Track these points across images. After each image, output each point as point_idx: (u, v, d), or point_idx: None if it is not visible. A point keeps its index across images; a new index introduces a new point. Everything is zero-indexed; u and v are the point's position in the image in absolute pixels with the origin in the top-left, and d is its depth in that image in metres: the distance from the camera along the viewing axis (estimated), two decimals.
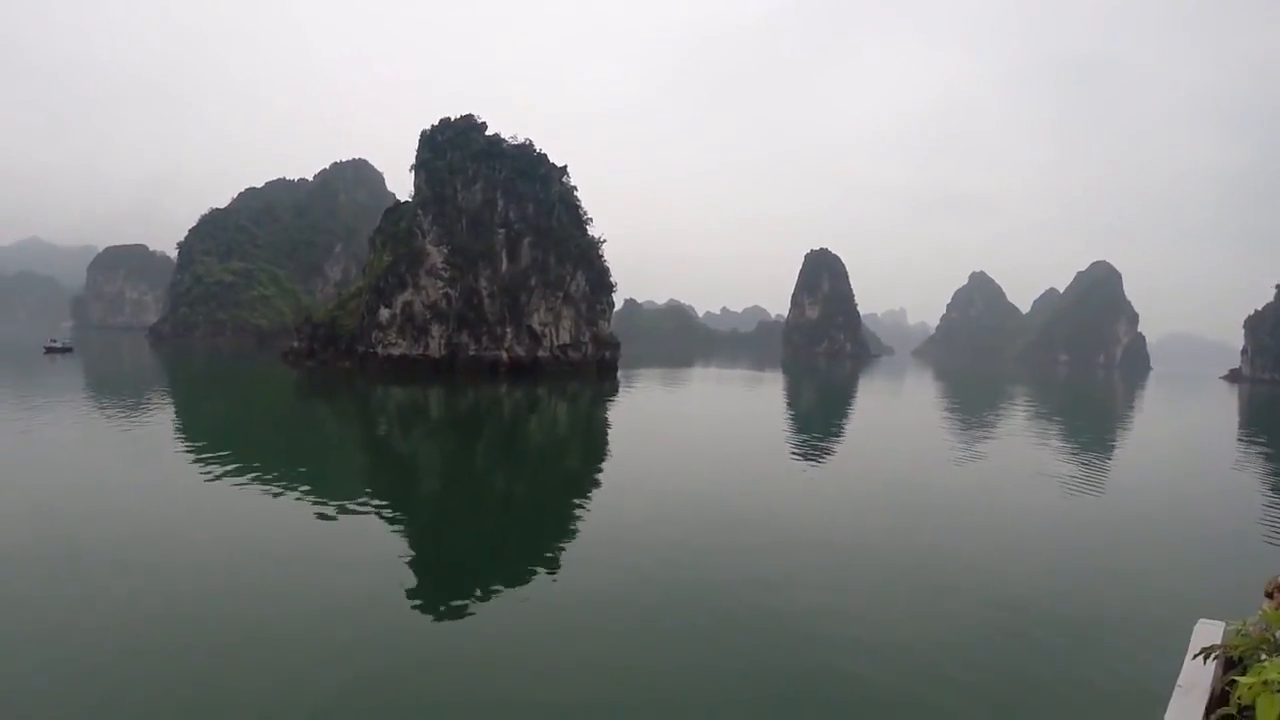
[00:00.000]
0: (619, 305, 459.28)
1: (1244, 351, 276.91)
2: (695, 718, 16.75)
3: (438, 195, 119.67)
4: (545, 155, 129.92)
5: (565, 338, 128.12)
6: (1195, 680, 6.03)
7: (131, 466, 40.98)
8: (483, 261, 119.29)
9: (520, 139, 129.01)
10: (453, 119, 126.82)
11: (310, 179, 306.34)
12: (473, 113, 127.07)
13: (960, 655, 19.94)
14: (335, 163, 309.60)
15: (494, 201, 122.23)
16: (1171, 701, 5.84)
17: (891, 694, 17.80)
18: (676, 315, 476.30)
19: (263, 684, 16.98)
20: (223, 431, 57.61)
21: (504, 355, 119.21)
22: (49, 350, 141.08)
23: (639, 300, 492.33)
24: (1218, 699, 5.76)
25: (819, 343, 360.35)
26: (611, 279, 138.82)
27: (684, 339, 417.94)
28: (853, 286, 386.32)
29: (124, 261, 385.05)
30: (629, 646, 19.94)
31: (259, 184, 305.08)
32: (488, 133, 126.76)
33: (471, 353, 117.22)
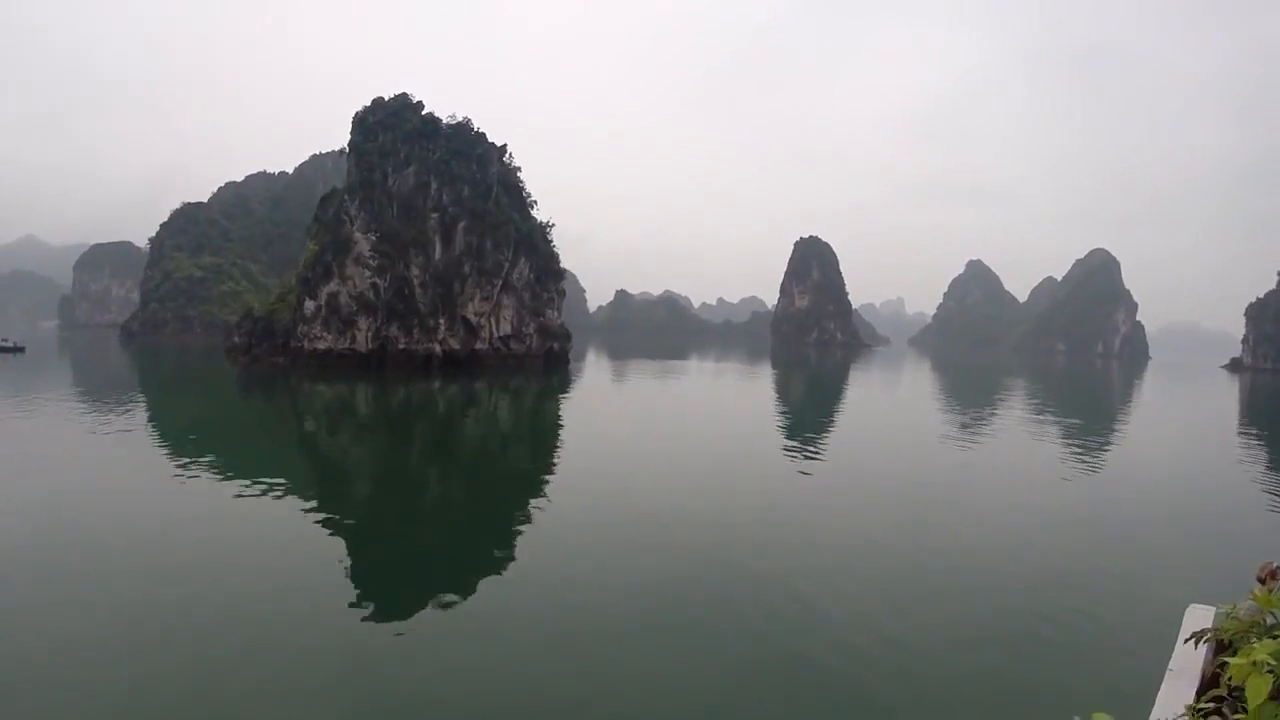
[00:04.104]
0: (610, 297, 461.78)
1: (1245, 340, 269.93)
2: None
3: (366, 180, 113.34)
4: (484, 134, 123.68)
5: (506, 329, 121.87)
6: (1187, 664, 6.08)
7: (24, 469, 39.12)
8: (414, 249, 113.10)
9: (459, 117, 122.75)
10: (386, 99, 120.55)
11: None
12: (407, 91, 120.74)
13: (955, 639, 20.50)
14: (315, 155, 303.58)
15: (427, 185, 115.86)
16: (1163, 685, 5.86)
17: (881, 679, 18.09)
18: (668, 306, 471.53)
19: (185, 687, 16.77)
20: (133, 435, 52.83)
21: (437, 348, 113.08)
22: (0, 350, 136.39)
23: (633, 291, 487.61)
24: (1209, 681, 5.82)
25: (808, 332, 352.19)
26: (560, 265, 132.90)
27: (675, 330, 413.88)
28: (853, 276, 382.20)
29: (110, 259, 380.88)
30: (577, 650, 19.50)
31: (240, 178, 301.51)
32: (424, 112, 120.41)
33: (402, 346, 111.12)
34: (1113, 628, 21.88)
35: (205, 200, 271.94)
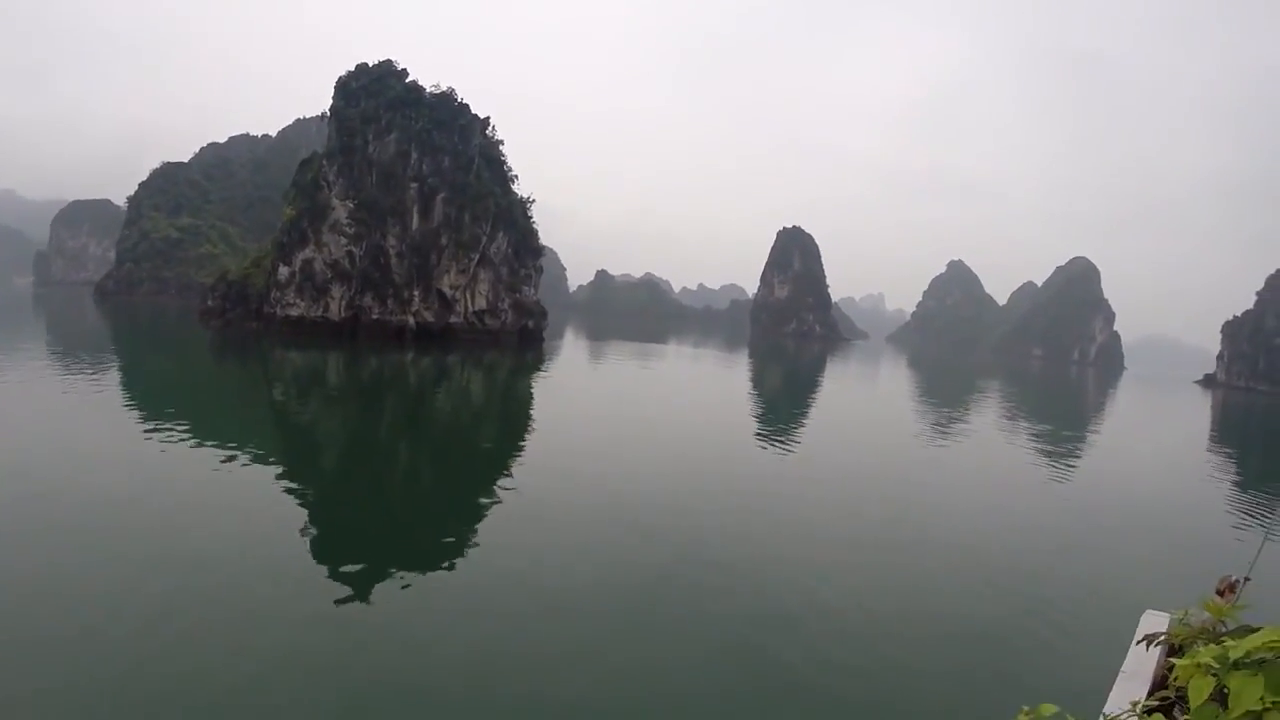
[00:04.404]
0: (591, 276, 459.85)
1: (1220, 357, 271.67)
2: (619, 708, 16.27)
3: (346, 146, 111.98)
4: (467, 105, 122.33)
5: (481, 303, 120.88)
6: (1139, 667, 6.20)
7: None
8: (392, 218, 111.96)
9: (443, 87, 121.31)
10: (370, 65, 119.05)
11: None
12: (392, 58, 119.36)
13: (913, 634, 20.68)
14: (299, 119, 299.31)
15: (408, 154, 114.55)
16: (1114, 686, 5.97)
17: (836, 671, 18.23)
18: (649, 289, 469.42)
19: (146, 648, 16.62)
20: (102, 397, 51.23)
21: (411, 320, 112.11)
22: None
23: (614, 272, 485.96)
24: (1158, 683, 5.93)
25: (787, 323, 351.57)
26: (539, 243, 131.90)
27: (655, 314, 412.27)
28: (834, 269, 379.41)
29: (88, 216, 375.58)
30: (537, 628, 19.28)
31: (223, 139, 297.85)
32: (408, 80, 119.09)
33: (375, 316, 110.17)
34: (1070, 630, 22.16)
35: (186, 161, 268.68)
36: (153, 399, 53.17)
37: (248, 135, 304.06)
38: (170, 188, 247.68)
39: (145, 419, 43.13)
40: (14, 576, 19.98)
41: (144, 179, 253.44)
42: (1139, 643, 6.05)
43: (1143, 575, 28.57)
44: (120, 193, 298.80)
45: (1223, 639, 5.06)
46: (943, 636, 21.03)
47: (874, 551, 28.43)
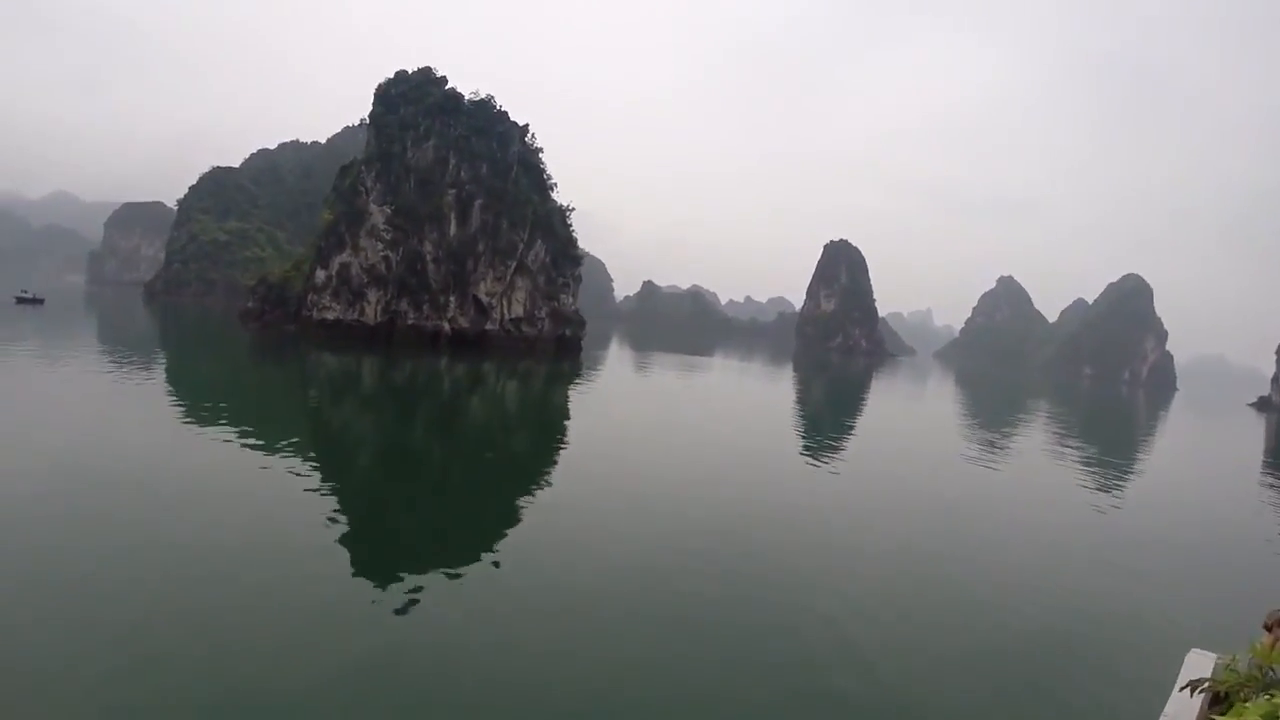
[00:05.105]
0: (638, 286, 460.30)
1: (1275, 380, 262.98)
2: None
3: (384, 152, 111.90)
4: (505, 113, 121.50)
5: (518, 311, 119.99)
6: (1181, 712, 5.92)
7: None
8: (429, 224, 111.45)
9: (481, 94, 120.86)
10: (410, 72, 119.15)
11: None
12: (431, 65, 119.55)
13: (944, 670, 19.65)
14: (347, 127, 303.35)
15: (446, 160, 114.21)
16: None
17: (871, 706, 17.41)
18: (695, 301, 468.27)
19: (179, 632, 17.04)
20: (143, 390, 52.92)
21: (446, 326, 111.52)
22: (19, 301, 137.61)
23: (661, 284, 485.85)
24: None
25: (833, 337, 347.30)
26: (578, 251, 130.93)
27: (700, 325, 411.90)
28: (882, 284, 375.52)
29: (141, 218, 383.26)
30: (567, 632, 19.31)
31: (273, 145, 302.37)
32: (446, 87, 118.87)
33: (411, 321, 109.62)
34: (1111, 666, 21.15)
35: (237, 165, 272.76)
36: (193, 397, 53.46)
37: (297, 142, 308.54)
38: (219, 191, 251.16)
39: (187, 417, 43.75)
40: (67, 562, 20.52)
41: (194, 183, 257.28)
42: (1182, 689, 5.88)
43: (1190, 609, 27.19)
44: (171, 194, 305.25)
45: (1272, 691, 4.99)
46: (979, 661, 20.47)
47: (912, 572, 27.60)
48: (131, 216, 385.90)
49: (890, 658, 19.71)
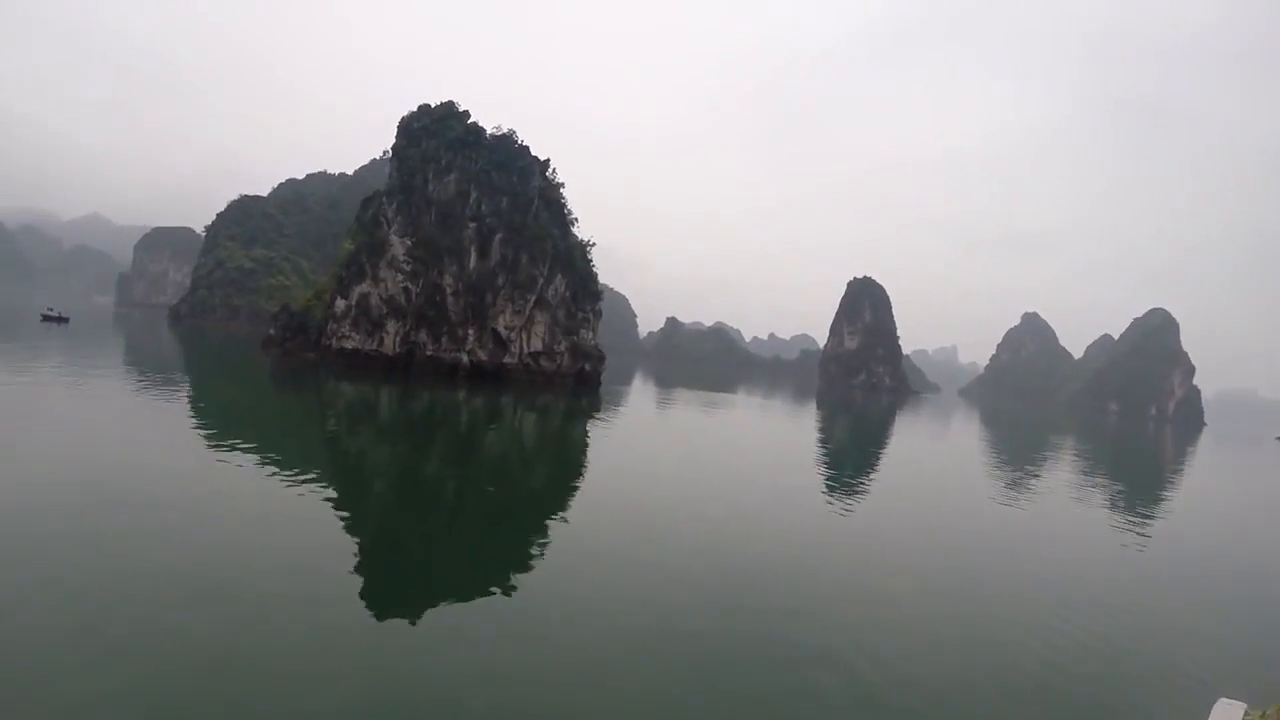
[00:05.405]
0: (662, 323, 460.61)
1: None
2: None
3: (406, 184, 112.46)
4: (527, 148, 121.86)
5: (537, 345, 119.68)
6: None
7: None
8: (449, 257, 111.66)
9: (504, 129, 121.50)
10: (433, 105, 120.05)
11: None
12: (453, 100, 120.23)
13: (962, 716, 19.40)
14: (374, 159, 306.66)
15: (467, 193, 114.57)
16: None
17: None
18: (718, 337, 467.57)
19: (199, 653, 17.47)
20: (162, 412, 54.79)
21: (465, 358, 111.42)
22: (45, 319, 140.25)
23: (684, 320, 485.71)
24: None
25: (856, 374, 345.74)
26: (599, 286, 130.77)
27: (724, 362, 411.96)
28: (906, 321, 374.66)
29: (170, 242, 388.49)
30: (580, 667, 19.51)
31: (301, 176, 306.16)
32: (469, 121, 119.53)
33: (429, 353, 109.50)
34: (1138, 711, 20.98)
35: (264, 194, 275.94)
36: (213, 421, 54.36)
37: (324, 173, 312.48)
38: (246, 219, 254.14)
39: (206, 440, 44.63)
40: (90, 577, 21.20)
41: (222, 209, 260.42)
42: None
43: (1219, 655, 26.37)
44: (198, 220, 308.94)
45: None
46: (995, 703, 20.35)
47: (932, 613, 27.28)
48: (161, 240, 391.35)
49: (906, 701, 19.50)
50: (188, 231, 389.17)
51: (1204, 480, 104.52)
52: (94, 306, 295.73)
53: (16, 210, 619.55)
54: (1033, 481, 70.74)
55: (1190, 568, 40.81)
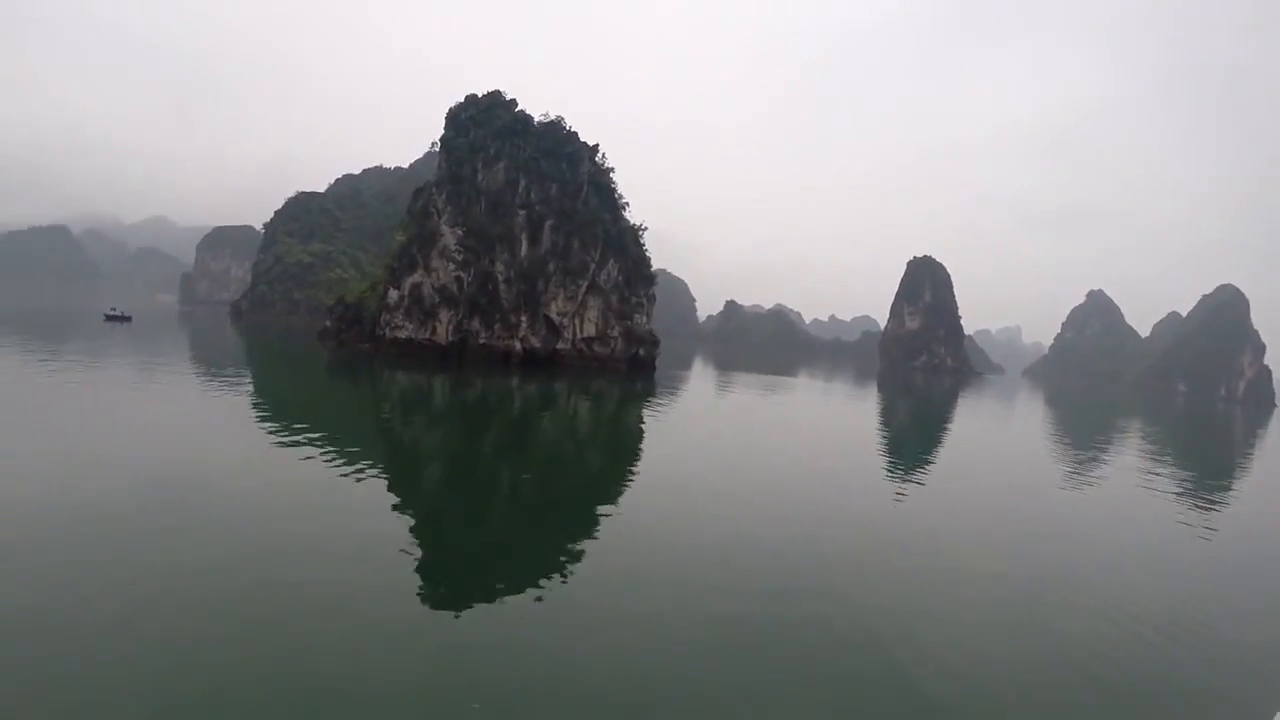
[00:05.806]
0: (720, 306, 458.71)
1: None
2: None
3: (455, 174, 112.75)
4: (575, 134, 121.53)
5: (590, 330, 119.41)
6: None
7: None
8: (500, 245, 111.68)
9: (551, 116, 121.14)
10: (479, 95, 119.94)
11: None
12: (500, 89, 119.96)
13: (1015, 711, 18.85)
14: (428, 152, 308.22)
15: (516, 182, 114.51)
16: None
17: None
18: (778, 320, 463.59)
19: (261, 668, 17.06)
20: (222, 403, 55.77)
21: (517, 345, 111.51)
22: (109, 319, 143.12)
23: (744, 303, 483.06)
24: None
25: (917, 356, 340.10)
26: (651, 270, 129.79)
27: (784, 344, 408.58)
28: (968, 301, 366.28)
29: (231, 241, 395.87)
30: (649, 652, 19.64)
31: (358, 171, 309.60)
32: (516, 110, 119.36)
33: (482, 341, 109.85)
34: (1197, 715, 20.00)
35: (322, 190, 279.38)
36: (272, 412, 55.32)
37: (380, 167, 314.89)
38: (303, 215, 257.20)
39: (266, 431, 45.37)
40: (156, 568, 21.74)
41: (279, 207, 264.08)
42: None
43: None
44: (259, 218, 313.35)
45: None
46: (1050, 698, 19.65)
47: (988, 604, 26.47)
48: (222, 239, 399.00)
49: (958, 695, 19.12)
50: (248, 230, 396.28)
51: (1275, 465, 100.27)
52: (158, 305, 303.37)
53: (82, 216, 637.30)
54: (1096, 466, 68.31)
55: (1259, 562, 38.55)
